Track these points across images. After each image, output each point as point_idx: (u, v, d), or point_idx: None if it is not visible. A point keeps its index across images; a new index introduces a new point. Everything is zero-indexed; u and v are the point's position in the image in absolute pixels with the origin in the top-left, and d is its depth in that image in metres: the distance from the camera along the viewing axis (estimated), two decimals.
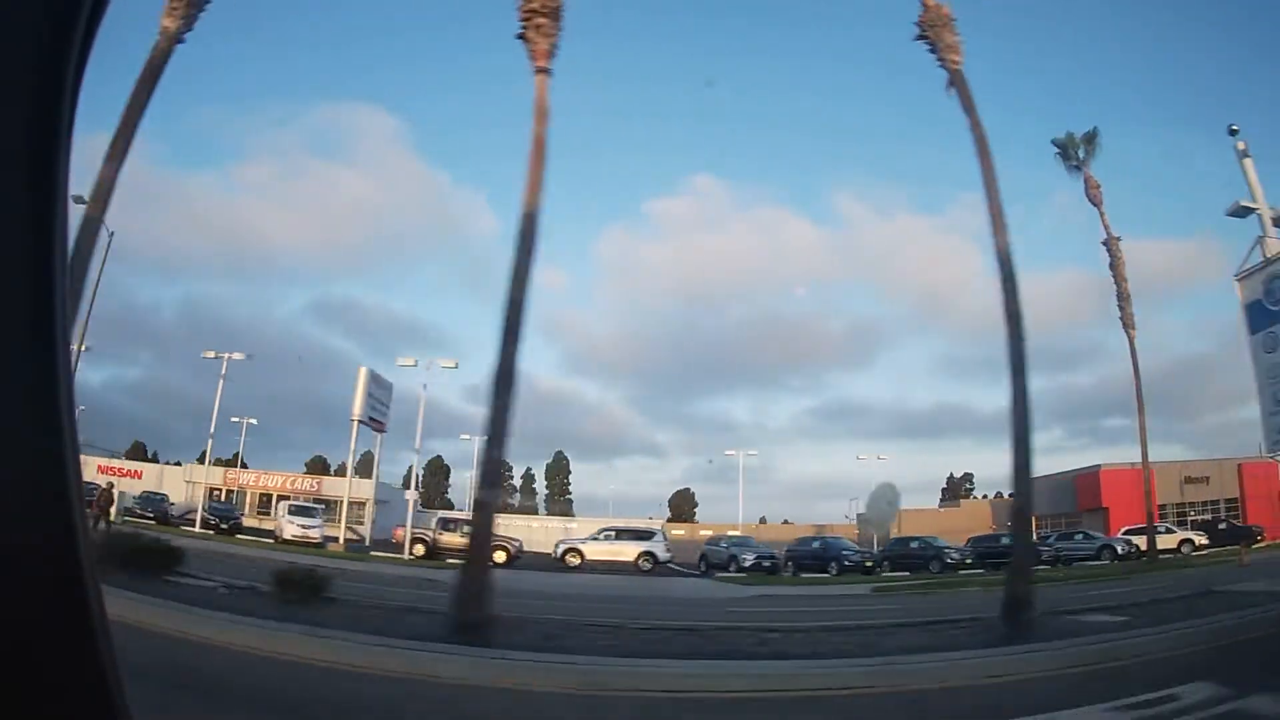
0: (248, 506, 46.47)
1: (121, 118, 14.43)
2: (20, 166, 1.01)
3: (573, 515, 60.59)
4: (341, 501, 40.93)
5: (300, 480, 52.47)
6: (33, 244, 1.01)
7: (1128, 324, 31.88)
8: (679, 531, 50.08)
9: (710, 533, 45.10)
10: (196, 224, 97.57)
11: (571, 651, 8.76)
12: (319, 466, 72.42)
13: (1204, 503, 48.33)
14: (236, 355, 40.25)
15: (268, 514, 43.65)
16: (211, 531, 33.79)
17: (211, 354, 40.47)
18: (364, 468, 47.90)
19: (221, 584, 12.64)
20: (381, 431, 40.49)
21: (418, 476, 43.56)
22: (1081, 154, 33.20)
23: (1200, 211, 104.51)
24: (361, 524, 41.61)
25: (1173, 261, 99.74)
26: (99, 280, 24.97)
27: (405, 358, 38.82)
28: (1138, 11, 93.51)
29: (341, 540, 34.53)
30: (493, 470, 11.98)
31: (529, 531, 44.05)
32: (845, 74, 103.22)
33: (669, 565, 32.09)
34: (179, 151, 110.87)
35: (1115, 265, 31.75)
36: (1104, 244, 32.40)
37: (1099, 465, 51.05)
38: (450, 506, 67.17)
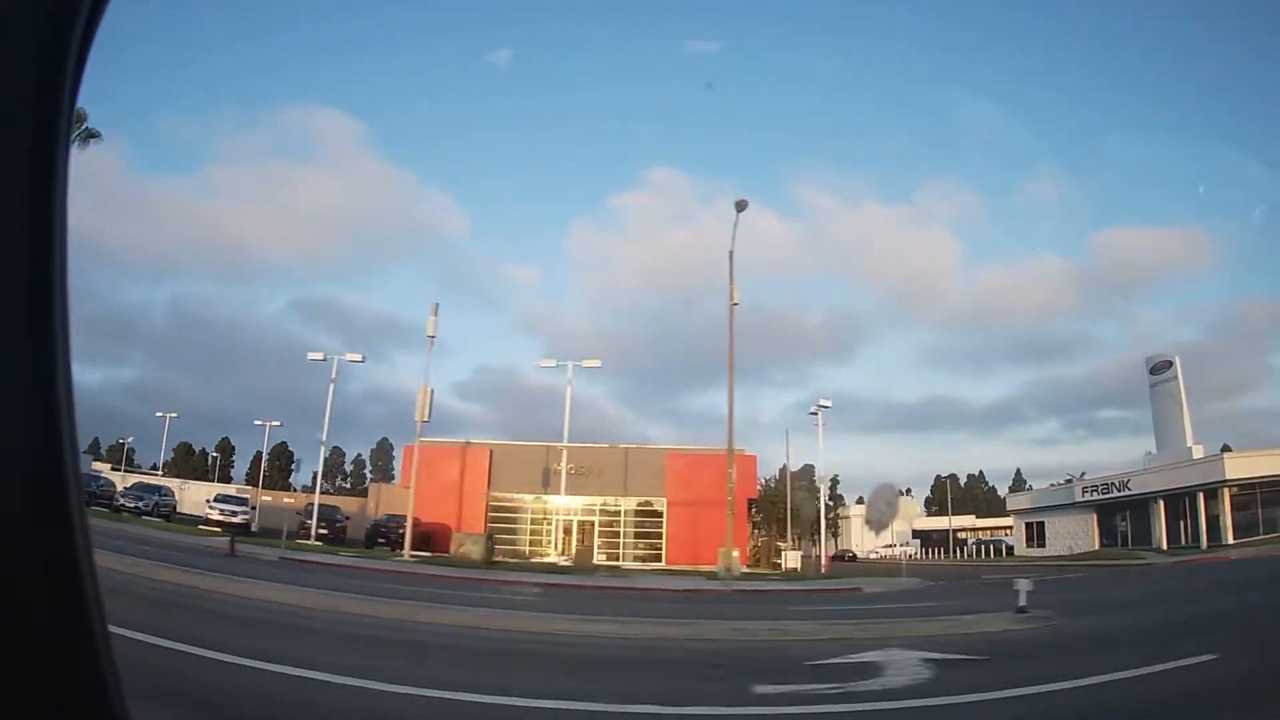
0: None
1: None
2: (20, 165, 1.01)
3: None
4: None
5: None
6: (32, 243, 1.01)
7: None
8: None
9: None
10: (179, 227, 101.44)
11: None
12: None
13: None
14: None
15: None
16: None
17: None
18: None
19: None
20: None
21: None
22: None
23: (1182, 200, 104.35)
24: None
25: (1156, 249, 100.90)
26: None
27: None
28: (1119, 6, 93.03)
29: None
30: None
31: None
32: (799, 66, 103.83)
33: None
34: (157, 157, 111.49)
35: None
36: None
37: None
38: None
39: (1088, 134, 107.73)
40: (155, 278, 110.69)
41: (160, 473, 69.62)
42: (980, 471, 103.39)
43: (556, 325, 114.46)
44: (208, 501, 37.18)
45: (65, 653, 1.01)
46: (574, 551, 35.34)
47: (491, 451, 40.46)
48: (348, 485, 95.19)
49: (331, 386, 36.82)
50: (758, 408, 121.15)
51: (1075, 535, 50.15)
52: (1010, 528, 62.95)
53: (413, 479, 32.41)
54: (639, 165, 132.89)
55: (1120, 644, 9.38)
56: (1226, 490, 40.60)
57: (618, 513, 40.49)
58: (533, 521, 40.88)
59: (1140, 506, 46.27)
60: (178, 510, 40.13)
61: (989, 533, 72.45)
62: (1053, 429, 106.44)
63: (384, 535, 34.06)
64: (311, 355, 38.01)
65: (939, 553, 64.18)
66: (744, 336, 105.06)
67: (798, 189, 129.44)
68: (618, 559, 37.96)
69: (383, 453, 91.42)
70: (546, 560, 35.76)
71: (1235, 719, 5.82)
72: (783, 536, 48.19)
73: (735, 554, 27.33)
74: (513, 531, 40.23)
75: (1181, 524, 43.46)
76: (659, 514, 40.11)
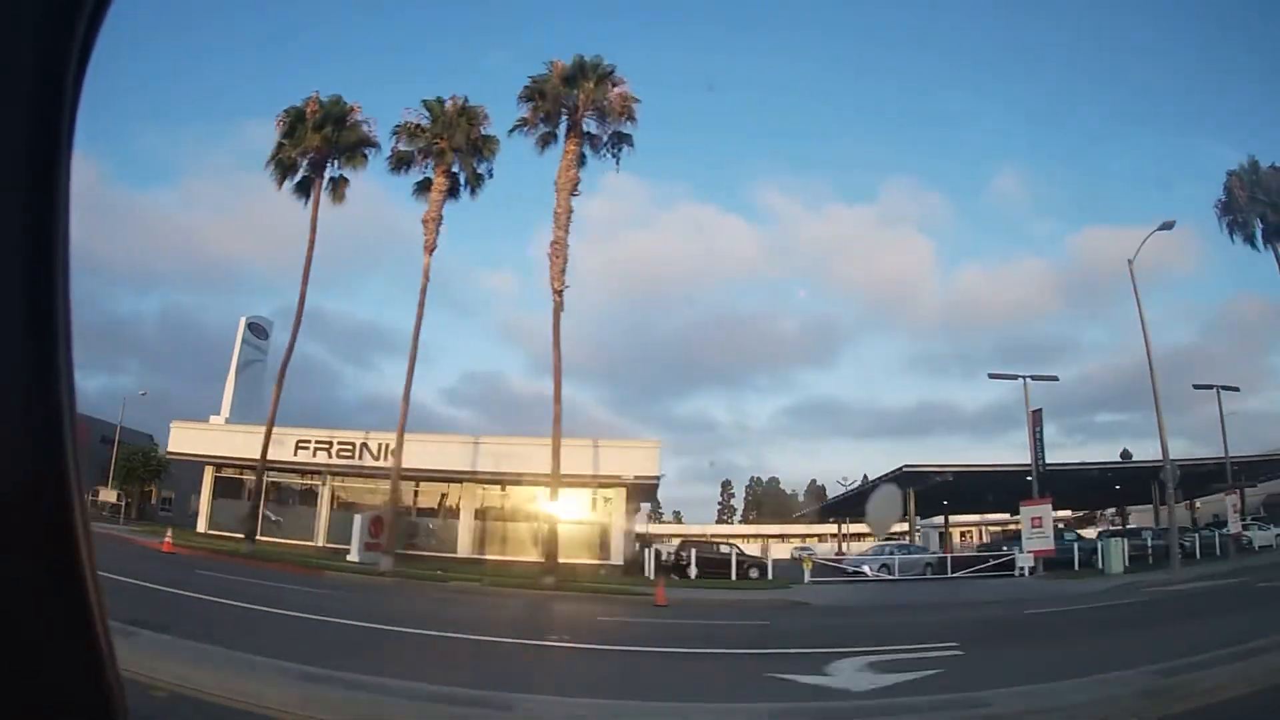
0: None
1: None
2: (21, 166, 1.01)
3: None
4: None
5: None
6: (34, 246, 1.01)
7: None
8: None
9: None
10: (160, 238, 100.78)
11: None
12: None
13: None
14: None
15: None
16: None
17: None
18: None
19: None
20: None
21: None
22: None
23: (1169, 199, 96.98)
24: None
25: (1146, 248, 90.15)
26: None
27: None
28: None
29: None
30: None
31: None
32: (754, 67, 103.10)
33: None
34: (128, 169, 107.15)
35: None
36: None
37: None
38: None
39: (1060, 131, 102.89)
40: (142, 288, 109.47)
41: None
42: (776, 478, 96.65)
43: (536, 333, 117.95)
44: None
45: (66, 652, 1.03)
46: None
47: None
48: None
49: None
50: (746, 413, 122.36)
51: None
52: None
53: None
54: (595, 171, 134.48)
55: None
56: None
57: None
58: None
59: None
60: None
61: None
62: (1050, 433, 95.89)
63: None
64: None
65: None
66: (722, 344, 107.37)
67: (760, 193, 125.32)
68: None
69: None
70: None
71: None
72: None
73: None
74: None
75: None
76: None
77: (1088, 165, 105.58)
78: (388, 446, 28.34)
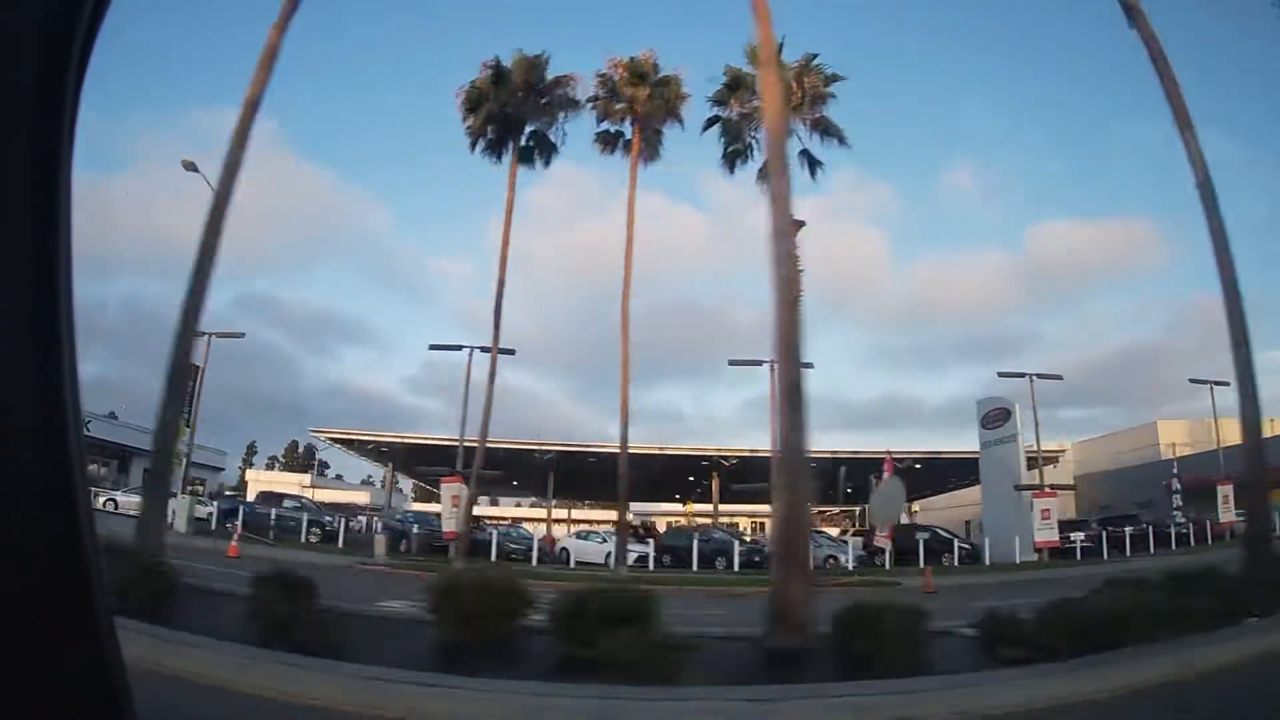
0: None
1: None
2: (24, 164, 1.01)
3: None
4: None
5: None
6: (37, 246, 1.02)
7: None
8: None
9: None
10: (113, 226, 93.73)
11: None
12: None
13: None
14: None
15: None
16: None
17: None
18: None
19: None
20: None
21: None
22: None
23: (1137, 191, 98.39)
24: None
25: (1107, 243, 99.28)
26: None
27: None
28: None
29: None
30: None
31: None
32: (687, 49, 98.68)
33: None
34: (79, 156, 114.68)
35: None
36: None
37: None
38: None
39: (1017, 126, 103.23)
40: (100, 275, 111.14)
41: None
42: None
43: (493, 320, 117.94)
44: None
45: (74, 653, 1.04)
46: None
47: None
48: None
49: None
50: (712, 405, 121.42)
51: None
52: None
53: None
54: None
55: None
56: None
57: None
58: None
59: None
60: None
61: None
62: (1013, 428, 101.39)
63: None
64: None
65: None
66: (673, 332, 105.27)
67: (708, 182, 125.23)
68: None
69: None
70: None
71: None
72: None
73: None
74: None
75: None
76: None
77: (1044, 159, 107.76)
78: None
